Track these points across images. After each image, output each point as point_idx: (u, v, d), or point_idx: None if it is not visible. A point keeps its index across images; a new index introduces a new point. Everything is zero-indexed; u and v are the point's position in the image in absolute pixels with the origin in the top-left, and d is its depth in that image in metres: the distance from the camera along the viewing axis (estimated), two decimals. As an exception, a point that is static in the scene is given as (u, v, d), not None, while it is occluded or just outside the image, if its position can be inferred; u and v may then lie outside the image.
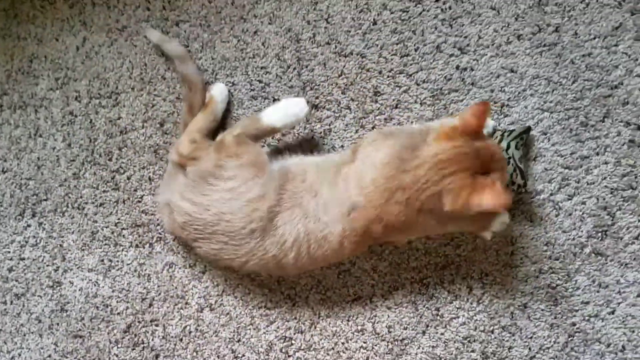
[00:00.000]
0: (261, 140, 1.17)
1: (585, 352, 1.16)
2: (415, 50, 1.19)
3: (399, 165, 0.98)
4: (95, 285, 1.31)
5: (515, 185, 1.11)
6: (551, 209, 1.16)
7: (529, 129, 1.14)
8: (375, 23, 1.20)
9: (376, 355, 1.21)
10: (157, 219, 1.28)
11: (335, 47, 1.21)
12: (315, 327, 1.24)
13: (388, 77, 1.20)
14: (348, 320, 1.23)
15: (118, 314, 1.30)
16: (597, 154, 1.15)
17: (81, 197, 1.31)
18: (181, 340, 1.28)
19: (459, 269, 1.19)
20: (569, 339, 1.17)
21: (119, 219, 1.30)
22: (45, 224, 1.33)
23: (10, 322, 1.34)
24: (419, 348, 1.21)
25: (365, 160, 1.03)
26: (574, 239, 1.16)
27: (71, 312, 1.32)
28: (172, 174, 1.16)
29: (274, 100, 1.23)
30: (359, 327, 1.22)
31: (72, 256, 1.32)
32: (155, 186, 1.28)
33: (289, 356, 1.24)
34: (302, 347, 1.24)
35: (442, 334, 1.20)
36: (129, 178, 1.29)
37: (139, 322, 1.29)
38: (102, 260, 1.30)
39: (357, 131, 1.22)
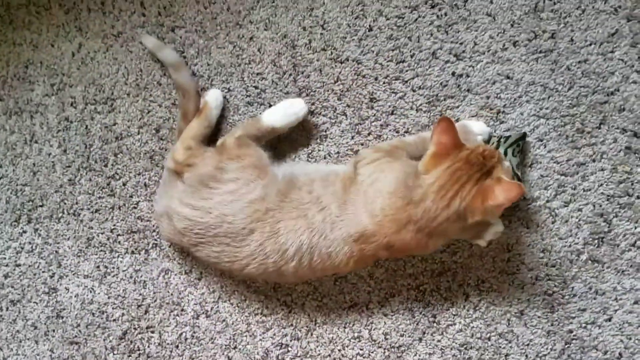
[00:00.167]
0: (262, 142, 1.17)
1: None
2: (411, 56, 1.19)
3: (405, 195, 0.99)
4: (91, 291, 1.30)
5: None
6: (547, 216, 1.16)
7: (524, 135, 1.13)
8: (371, 29, 1.20)
9: (372, 363, 1.21)
10: (153, 226, 1.28)
11: (331, 53, 1.21)
12: (311, 334, 1.24)
13: (384, 83, 1.20)
14: (344, 327, 1.23)
15: (114, 320, 1.29)
16: (594, 160, 1.14)
17: (77, 203, 1.31)
18: (177, 347, 1.27)
19: (456, 276, 1.19)
20: (566, 346, 1.16)
21: (114, 225, 1.29)
22: (41, 230, 1.32)
23: (6, 328, 1.34)
24: (415, 355, 1.20)
25: (372, 184, 1.03)
26: (570, 245, 1.16)
27: (67, 319, 1.31)
28: (169, 181, 1.16)
29: (270, 106, 1.22)
30: (356, 334, 1.22)
31: (68, 262, 1.31)
32: (151, 192, 1.27)
33: (285, 363, 1.24)
34: (298, 354, 1.24)
35: (438, 341, 1.20)
36: (124, 184, 1.29)
37: (135, 328, 1.29)
38: (98, 267, 1.30)
39: (353, 137, 1.21)
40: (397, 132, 1.20)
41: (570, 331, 1.16)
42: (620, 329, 1.15)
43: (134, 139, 1.28)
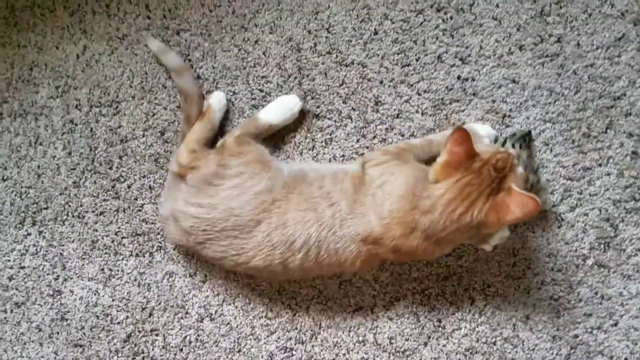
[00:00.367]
0: (260, 139, 1.18)
1: (587, 364, 1.16)
2: (417, 60, 1.18)
3: (412, 200, 0.98)
4: (95, 294, 1.30)
5: (529, 184, 1.10)
6: (553, 221, 1.15)
7: (529, 132, 1.13)
8: (376, 33, 1.19)
9: (377, 367, 1.21)
10: (158, 228, 1.28)
11: (337, 56, 1.21)
12: (316, 338, 1.23)
13: (389, 86, 1.20)
14: (349, 331, 1.22)
15: (118, 323, 1.29)
16: (600, 165, 1.14)
17: (81, 205, 1.31)
18: (181, 350, 1.27)
19: (461, 280, 1.19)
20: (571, 351, 1.16)
21: (119, 227, 1.29)
22: (45, 233, 1.32)
23: (11, 330, 1.34)
24: (420, 359, 1.20)
25: (381, 186, 1.03)
26: (576, 250, 1.15)
27: (71, 321, 1.31)
28: (173, 184, 1.16)
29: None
30: (361, 338, 1.22)
31: (72, 265, 1.31)
32: (156, 195, 1.27)
33: (290, 367, 1.24)
34: (302, 358, 1.23)
35: (444, 345, 1.19)
36: (129, 187, 1.29)
37: (139, 331, 1.29)
38: (102, 269, 1.30)
39: (358, 140, 1.21)
40: (402, 135, 1.20)
41: (576, 336, 1.16)
42: (626, 334, 1.15)
43: (139, 142, 1.28)
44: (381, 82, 1.20)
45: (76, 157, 1.31)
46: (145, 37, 1.26)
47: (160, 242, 1.28)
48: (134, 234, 1.29)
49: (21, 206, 1.33)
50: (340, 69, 1.21)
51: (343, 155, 1.22)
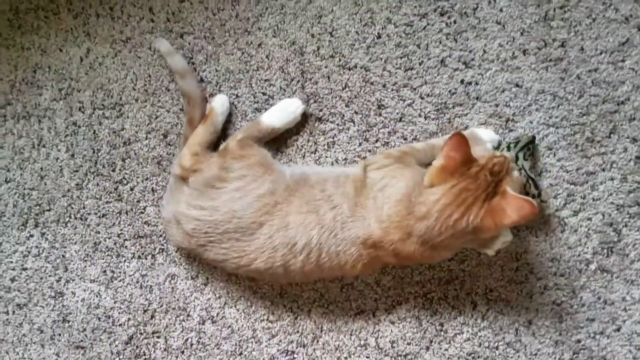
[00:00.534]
0: (262, 142, 1.18)
1: (590, 370, 1.16)
2: (420, 64, 1.18)
3: (408, 206, 0.98)
4: (97, 296, 1.30)
5: (530, 196, 1.09)
6: (556, 225, 1.15)
7: (533, 138, 1.13)
8: (379, 37, 1.19)
9: (379, 371, 1.21)
10: (160, 231, 1.28)
11: (340, 60, 1.21)
12: (317, 341, 1.23)
13: (392, 90, 1.20)
14: (351, 335, 1.22)
15: (120, 325, 1.29)
16: (603, 170, 1.14)
17: (84, 207, 1.31)
18: (183, 352, 1.27)
19: (463, 284, 1.18)
20: (574, 356, 1.16)
21: (121, 230, 1.29)
22: (48, 235, 1.32)
23: (13, 332, 1.34)
24: (422, 363, 1.20)
25: (382, 189, 1.03)
26: (579, 255, 1.15)
27: (73, 323, 1.31)
28: (175, 187, 1.16)
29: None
30: (362, 342, 1.22)
31: (75, 267, 1.31)
32: (159, 197, 1.27)
33: (291, 370, 1.24)
34: (304, 361, 1.23)
35: (446, 349, 1.19)
36: (132, 189, 1.29)
37: (141, 333, 1.29)
38: (105, 271, 1.30)
39: (360, 144, 1.21)
40: (405, 139, 1.19)
41: (579, 341, 1.16)
42: (629, 339, 1.14)
43: (142, 144, 1.28)
44: (384, 86, 1.20)
45: (79, 159, 1.31)
46: (155, 39, 1.26)
47: (162, 245, 1.28)
48: (136, 236, 1.29)
49: (24, 208, 1.33)
50: (343, 73, 1.21)
51: (345, 159, 1.22)
